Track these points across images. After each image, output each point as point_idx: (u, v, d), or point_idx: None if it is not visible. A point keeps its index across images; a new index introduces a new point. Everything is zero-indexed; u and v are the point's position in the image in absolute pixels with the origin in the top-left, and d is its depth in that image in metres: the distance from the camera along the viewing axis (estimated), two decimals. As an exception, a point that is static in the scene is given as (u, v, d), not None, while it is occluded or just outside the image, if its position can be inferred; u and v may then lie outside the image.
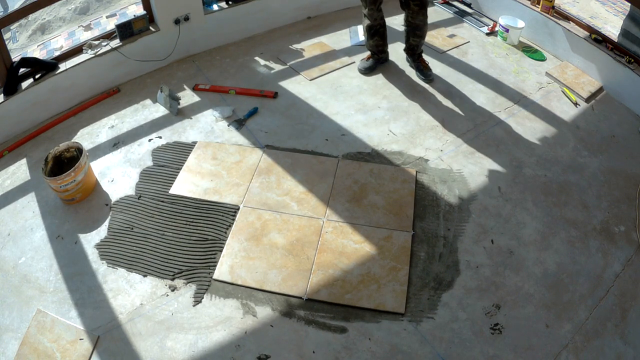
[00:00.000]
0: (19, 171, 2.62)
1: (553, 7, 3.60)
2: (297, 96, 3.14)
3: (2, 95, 2.73)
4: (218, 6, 3.48)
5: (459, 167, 2.65)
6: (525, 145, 2.81)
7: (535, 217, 2.40)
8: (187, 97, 3.11)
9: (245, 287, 2.06)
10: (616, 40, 3.30)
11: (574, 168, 2.69)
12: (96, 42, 3.07)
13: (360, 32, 3.83)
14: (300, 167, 2.61)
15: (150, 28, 3.22)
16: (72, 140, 2.53)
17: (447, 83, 3.30)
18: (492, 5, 4.09)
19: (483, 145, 2.80)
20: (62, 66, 2.93)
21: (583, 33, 3.44)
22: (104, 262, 2.15)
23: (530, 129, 2.94)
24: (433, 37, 3.81)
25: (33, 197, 2.46)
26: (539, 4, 3.67)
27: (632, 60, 3.12)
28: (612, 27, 4.12)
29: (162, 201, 2.42)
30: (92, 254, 2.18)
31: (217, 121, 2.92)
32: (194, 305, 1.99)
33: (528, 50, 3.71)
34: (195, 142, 2.76)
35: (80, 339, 1.86)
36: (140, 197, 2.44)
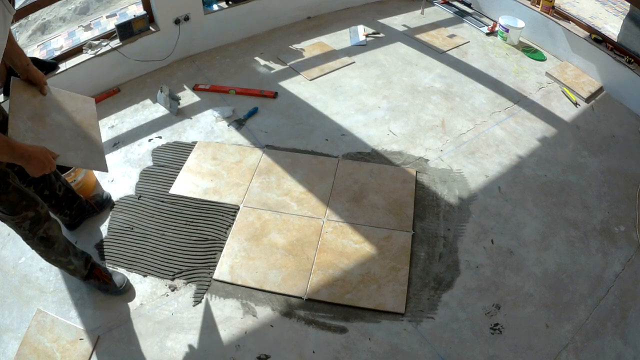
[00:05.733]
0: (19, 171, 2.62)
1: (553, 7, 3.60)
2: (297, 96, 3.14)
3: (2, 95, 2.73)
4: (218, 6, 3.48)
5: (459, 167, 2.65)
6: (525, 145, 2.81)
7: (535, 217, 2.40)
8: (187, 97, 3.11)
9: (245, 287, 2.06)
10: (616, 40, 3.30)
11: (574, 168, 2.69)
12: (96, 42, 3.07)
13: (360, 32, 3.83)
14: (300, 167, 2.61)
15: (150, 28, 3.21)
16: (72, 140, 2.52)
17: (447, 83, 3.31)
18: (492, 5, 4.09)
19: (483, 145, 2.80)
20: (62, 66, 2.93)
21: (583, 33, 3.45)
22: (104, 262, 2.15)
23: (530, 129, 2.94)
24: (433, 37, 3.81)
25: (33, 197, 2.46)
26: (539, 4, 3.67)
27: (632, 60, 3.12)
28: (612, 27, 4.11)
29: (162, 201, 2.42)
30: (92, 254, 2.17)
31: (217, 121, 2.92)
32: (194, 305, 1.99)
33: (528, 50, 3.71)
34: (195, 142, 2.76)
35: (80, 339, 1.86)
36: (140, 197, 2.44)
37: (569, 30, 3.48)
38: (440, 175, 2.59)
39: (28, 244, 1.76)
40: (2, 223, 1.69)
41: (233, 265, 2.13)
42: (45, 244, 1.75)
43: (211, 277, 2.09)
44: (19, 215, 1.63)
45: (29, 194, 1.67)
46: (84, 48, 3.06)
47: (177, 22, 3.25)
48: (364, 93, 3.18)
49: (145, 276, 2.10)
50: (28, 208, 1.65)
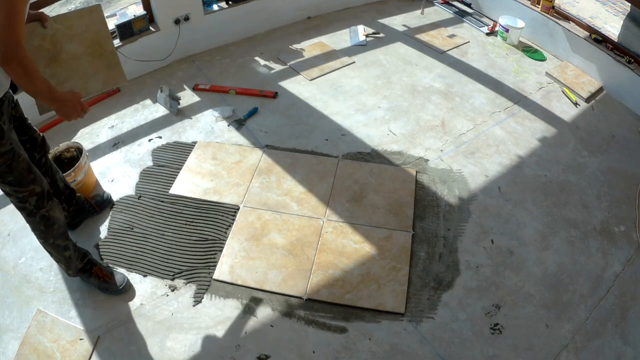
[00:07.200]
0: (19, 171, 2.62)
1: (553, 7, 3.60)
2: (297, 96, 3.14)
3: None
4: (218, 6, 3.48)
5: (459, 167, 2.65)
6: (525, 145, 2.82)
7: (535, 217, 2.40)
8: (187, 97, 3.11)
9: (245, 287, 2.06)
10: (616, 40, 3.30)
11: (574, 168, 2.69)
12: (96, 42, 3.07)
13: (360, 32, 3.83)
14: (300, 167, 2.61)
15: (150, 28, 3.21)
16: (72, 140, 2.52)
17: (447, 83, 3.31)
18: (492, 5, 4.09)
19: (483, 145, 2.80)
20: (62, 66, 2.93)
21: (583, 33, 3.45)
22: (104, 262, 2.14)
23: (530, 129, 2.94)
24: (433, 37, 3.81)
25: (33, 197, 2.46)
26: (539, 4, 3.67)
27: (632, 60, 3.12)
28: (612, 27, 4.12)
29: (162, 201, 2.42)
30: (93, 254, 2.17)
31: (217, 121, 2.92)
32: (194, 305, 1.99)
33: (528, 50, 3.71)
34: (195, 142, 2.76)
35: (80, 339, 1.86)
36: (140, 197, 2.44)
37: (569, 30, 3.48)
38: (440, 175, 2.60)
39: (29, 222, 1.77)
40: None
41: (233, 265, 2.13)
42: (46, 223, 1.76)
43: (211, 277, 2.09)
44: (26, 187, 1.64)
45: (35, 169, 1.69)
46: (84, 48, 3.06)
47: (177, 22, 3.25)
48: (364, 93, 3.18)
49: (145, 276, 2.10)
50: (35, 182, 1.67)
